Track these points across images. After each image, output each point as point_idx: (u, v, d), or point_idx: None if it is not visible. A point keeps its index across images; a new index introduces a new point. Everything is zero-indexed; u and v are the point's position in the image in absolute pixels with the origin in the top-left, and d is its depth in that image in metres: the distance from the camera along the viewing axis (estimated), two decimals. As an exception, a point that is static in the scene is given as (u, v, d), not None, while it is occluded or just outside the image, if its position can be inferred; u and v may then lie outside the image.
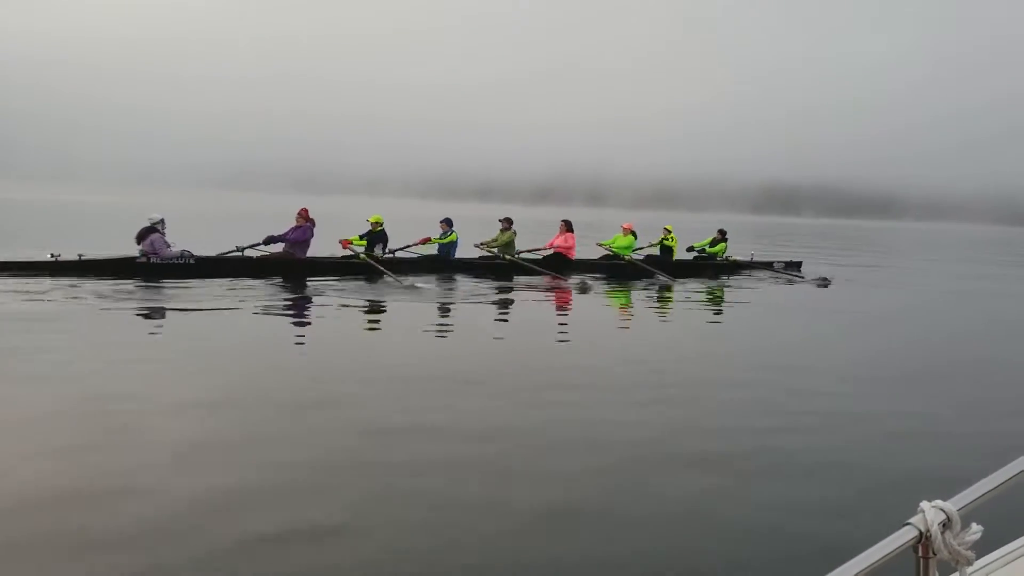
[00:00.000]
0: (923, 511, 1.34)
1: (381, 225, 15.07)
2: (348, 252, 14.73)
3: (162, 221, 13.43)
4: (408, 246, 15.42)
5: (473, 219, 26.83)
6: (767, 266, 19.11)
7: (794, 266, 19.64)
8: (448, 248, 15.72)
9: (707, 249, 18.86)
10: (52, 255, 12.77)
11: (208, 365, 7.11)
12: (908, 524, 1.33)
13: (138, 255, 13.18)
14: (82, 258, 12.91)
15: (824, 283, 17.21)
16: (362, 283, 13.56)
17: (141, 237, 13.30)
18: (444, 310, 11.57)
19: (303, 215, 14.35)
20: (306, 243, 14.33)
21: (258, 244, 14.00)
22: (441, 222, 16.04)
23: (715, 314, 13.08)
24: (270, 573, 3.32)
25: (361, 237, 14.96)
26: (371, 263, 14.32)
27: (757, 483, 4.60)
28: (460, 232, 16.15)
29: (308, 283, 13.22)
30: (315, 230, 14.49)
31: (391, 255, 15.14)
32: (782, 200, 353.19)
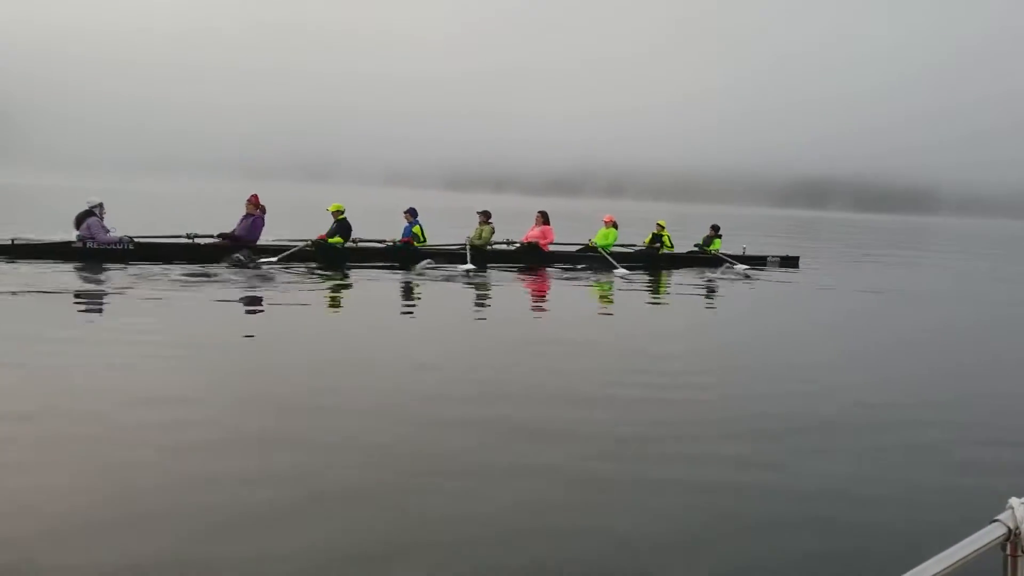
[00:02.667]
0: (1012, 508, 1.31)
1: (343, 213, 14.46)
2: (295, 238, 14.22)
3: (100, 205, 13.11)
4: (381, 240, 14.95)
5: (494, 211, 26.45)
6: (760, 260, 18.46)
7: (791, 261, 18.98)
8: (416, 240, 14.99)
9: (705, 248, 18.21)
10: (-15, 239, 12.46)
11: (146, 354, 6.72)
12: (996, 521, 1.30)
13: (75, 240, 12.83)
14: (15, 242, 12.57)
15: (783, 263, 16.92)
16: (306, 269, 13.16)
17: (79, 221, 12.96)
18: (399, 298, 11.11)
19: (253, 202, 13.76)
20: (260, 230, 13.75)
21: (211, 236, 13.56)
22: (405, 212, 15.28)
23: (712, 308, 12.49)
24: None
25: (331, 234, 14.30)
26: (324, 247, 14.01)
27: (834, 478, 4.40)
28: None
29: (266, 269, 12.83)
30: (266, 217, 13.94)
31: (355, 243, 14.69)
32: (810, 193, 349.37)
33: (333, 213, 14.46)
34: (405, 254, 14.57)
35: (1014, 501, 1.32)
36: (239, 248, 13.22)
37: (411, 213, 15.18)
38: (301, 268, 13.04)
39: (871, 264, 23.59)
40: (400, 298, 11.35)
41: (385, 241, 14.97)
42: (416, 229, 15.01)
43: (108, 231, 13.00)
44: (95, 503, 3.71)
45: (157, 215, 25.44)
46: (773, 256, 19.11)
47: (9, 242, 12.51)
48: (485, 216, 15.90)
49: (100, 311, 9.26)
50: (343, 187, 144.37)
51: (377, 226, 16.58)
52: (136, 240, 13.14)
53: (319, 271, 13.03)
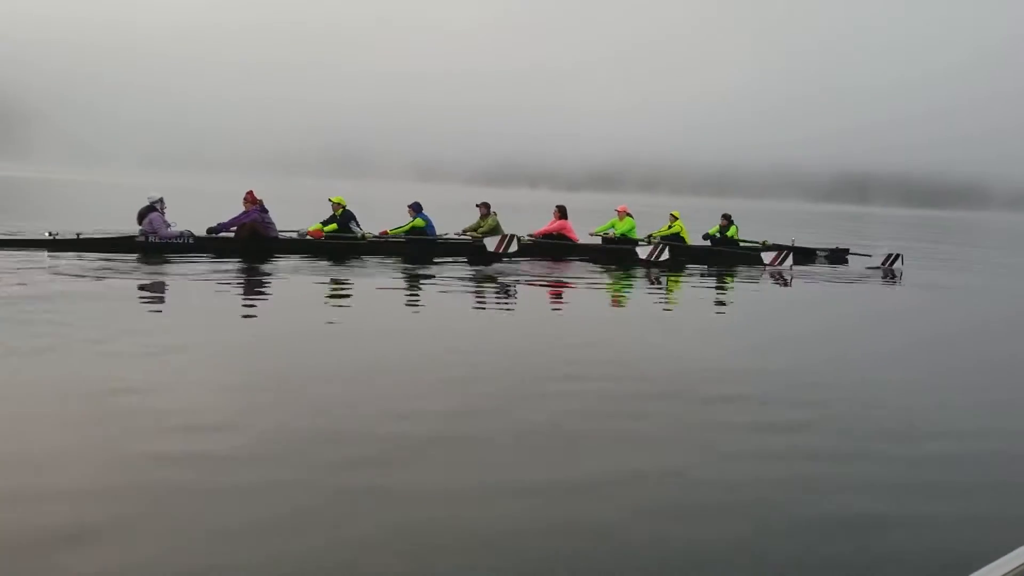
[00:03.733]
0: None
1: (344, 206, 14.82)
2: (350, 234, 14.67)
3: (161, 200, 13.60)
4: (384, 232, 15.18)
5: (527, 206, 26.70)
6: (809, 253, 18.49)
7: (839, 254, 19.01)
8: (422, 233, 15.18)
9: (723, 236, 18.21)
10: (50, 233, 13.05)
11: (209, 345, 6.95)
12: None
13: (137, 234, 13.35)
14: (80, 236, 13.14)
15: (888, 265, 16.77)
16: (357, 263, 13.53)
17: (140, 216, 13.48)
18: (456, 293, 11.41)
19: (249, 199, 14.08)
20: (262, 223, 13.99)
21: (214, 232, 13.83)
22: (409, 207, 15.48)
23: (764, 305, 12.50)
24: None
25: (324, 223, 14.72)
26: (376, 242, 14.42)
27: (888, 495, 4.28)
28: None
29: (304, 262, 13.17)
30: (270, 210, 14.26)
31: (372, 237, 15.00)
32: (854, 187, 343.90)
33: (334, 205, 14.81)
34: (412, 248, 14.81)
35: None
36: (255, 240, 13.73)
37: (414, 208, 15.35)
38: (309, 261, 13.31)
39: (925, 260, 23.43)
40: (407, 292, 11.51)
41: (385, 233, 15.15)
42: (418, 223, 15.13)
43: (169, 226, 13.50)
44: (118, 494, 3.80)
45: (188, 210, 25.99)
46: (822, 250, 19.13)
47: (75, 236, 13.08)
48: (485, 208, 16.03)
49: (158, 305, 9.61)
50: (374, 183, 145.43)
51: (391, 221, 16.80)
52: (196, 235, 13.61)
53: (327, 264, 13.34)
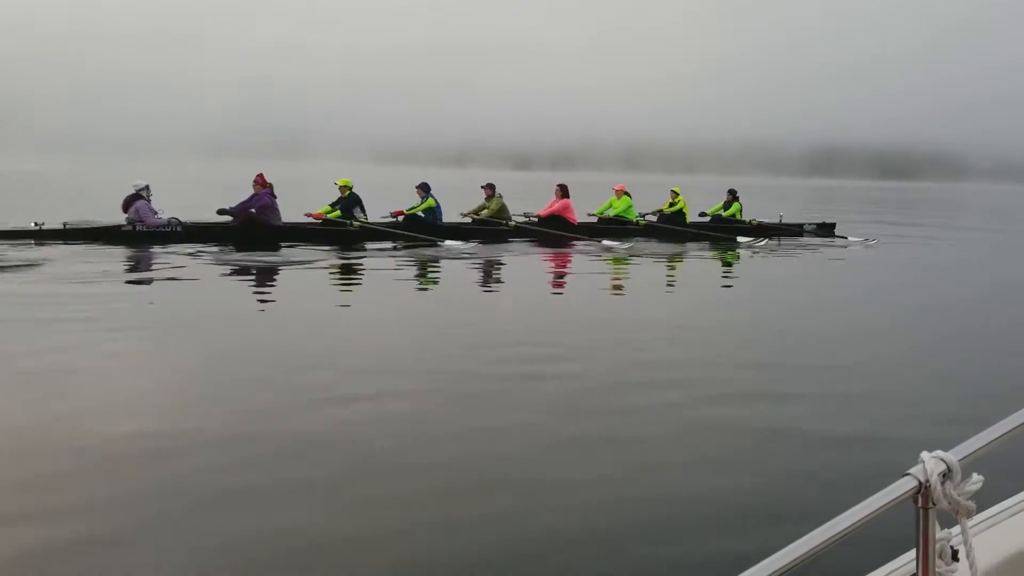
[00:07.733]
0: (923, 461, 1.41)
1: (351, 188, 15.35)
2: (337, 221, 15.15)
3: (147, 188, 14.11)
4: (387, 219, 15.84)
5: (514, 185, 27.16)
6: (797, 228, 19.42)
7: (827, 228, 19.92)
8: (432, 214, 15.93)
9: (722, 214, 19.09)
10: (36, 223, 13.49)
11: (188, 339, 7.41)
12: (908, 475, 1.40)
13: (124, 223, 13.82)
14: (67, 226, 13.60)
15: (866, 243, 17.95)
16: (352, 250, 14.15)
17: (127, 205, 13.96)
18: (459, 276, 12.16)
19: (259, 181, 14.64)
20: (271, 208, 14.57)
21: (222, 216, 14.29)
22: (417, 187, 16.13)
23: (735, 280, 13.47)
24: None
25: (332, 206, 15.27)
26: (369, 228, 14.91)
27: (755, 441, 4.79)
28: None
29: (297, 250, 13.79)
30: (276, 194, 14.82)
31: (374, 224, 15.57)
32: (831, 161, 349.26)
33: (340, 188, 15.36)
34: (419, 229, 15.43)
35: (925, 455, 1.43)
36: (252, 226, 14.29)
37: (423, 188, 16.04)
38: (312, 247, 13.89)
39: (907, 232, 24.52)
40: (413, 274, 12.31)
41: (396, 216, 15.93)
42: (430, 202, 15.89)
43: (156, 213, 14.00)
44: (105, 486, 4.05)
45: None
46: (809, 224, 20.11)
47: (61, 226, 13.54)
48: (490, 189, 16.68)
49: (144, 293, 10.05)
50: (322, 164, 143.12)
51: (379, 202, 17.26)
52: (184, 223, 14.11)
53: (330, 248, 13.92)
